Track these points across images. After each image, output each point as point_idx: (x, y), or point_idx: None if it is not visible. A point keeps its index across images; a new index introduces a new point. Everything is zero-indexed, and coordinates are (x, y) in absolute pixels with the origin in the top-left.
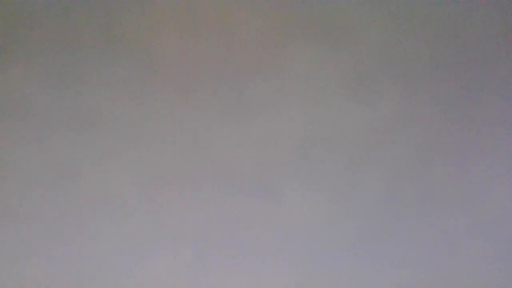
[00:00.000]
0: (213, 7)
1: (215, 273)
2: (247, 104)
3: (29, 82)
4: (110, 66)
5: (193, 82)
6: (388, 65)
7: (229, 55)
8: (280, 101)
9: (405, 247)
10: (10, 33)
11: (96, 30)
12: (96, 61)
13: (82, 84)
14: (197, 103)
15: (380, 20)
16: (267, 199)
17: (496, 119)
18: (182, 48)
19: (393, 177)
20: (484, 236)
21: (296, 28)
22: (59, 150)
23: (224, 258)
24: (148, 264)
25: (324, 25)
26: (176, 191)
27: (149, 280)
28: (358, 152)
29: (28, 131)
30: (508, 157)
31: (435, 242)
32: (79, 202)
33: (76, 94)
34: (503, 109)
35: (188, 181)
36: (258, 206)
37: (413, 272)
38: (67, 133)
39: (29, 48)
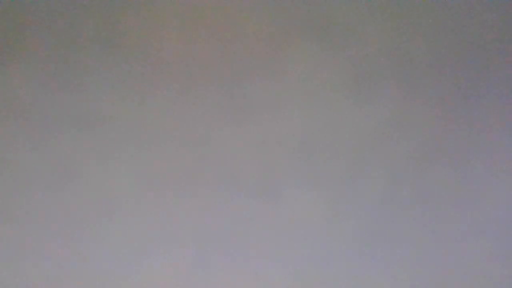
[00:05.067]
0: (213, 7)
1: (215, 272)
2: (247, 104)
3: (29, 82)
4: (110, 66)
5: (193, 82)
6: (388, 65)
7: (229, 55)
8: (280, 101)
9: (405, 247)
10: (10, 33)
11: (96, 30)
12: (96, 61)
13: (82, 84)
14: (197, 103)
15: (380, 20)
16: (267, 199)
17: (496, 119)
18: (182, 48)
19: (393, 177)
20: (483, 236)
21: (296, 28)
22: (59, 150)
23: (224, 258)
24: (148, 264)
25: (324, 25)
26: (176, 191)
27: (149, 280)
28: (358, 152)
29: (28, 131)
30: (508, 157)
31: (435, 242)
32: (79, 202)
33: (76, 94)
34: (503, 109)
35: (188, 181)
36: (258, 206)
37: (413, 273)
38: (67, 133)
39: (29, 48)
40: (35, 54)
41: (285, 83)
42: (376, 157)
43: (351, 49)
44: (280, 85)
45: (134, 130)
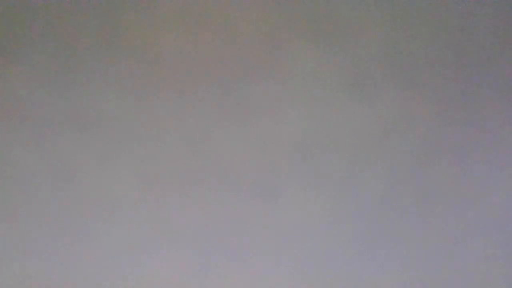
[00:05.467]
0: (213, 7)
1: (215, 272)
2: (247, 104)
3: (29, 82)
4: (110, 66)
5: (193, 82)
6: (388, 65)
7: (229, 55)
8: (280, 101)
9: (405, 247)
10: (10, 33)
11: (96, 30)
12: (96, 61)
13: (82, 84)
14: (197, 103)
15: (380, 20)
16: (267, 199)
17: (496, 119)
18: (182, 48)
19: (393, 177)
20: (484, 236)
21: (296, 28)
22: (59, 150)
23: (224, 258)
24: (147, 264)
25: (324, 25)
26: (176, 191)
27: (148, 280)
28: (358, 152)
29: (28, 131)
30: (508, 157)
31: (435, 241)
32: (79, 202)
33: (76, 94)
34: (503, 109)
35: (188, 181)
36: (258, 206)
37: (413, 272)
38: (67, 133)
39: (29, 48)
40: (35, 54)
41: (285, 83)
42: (376, 157)
43: (351, 49)
44: (280, 85)
45: (134, 130)
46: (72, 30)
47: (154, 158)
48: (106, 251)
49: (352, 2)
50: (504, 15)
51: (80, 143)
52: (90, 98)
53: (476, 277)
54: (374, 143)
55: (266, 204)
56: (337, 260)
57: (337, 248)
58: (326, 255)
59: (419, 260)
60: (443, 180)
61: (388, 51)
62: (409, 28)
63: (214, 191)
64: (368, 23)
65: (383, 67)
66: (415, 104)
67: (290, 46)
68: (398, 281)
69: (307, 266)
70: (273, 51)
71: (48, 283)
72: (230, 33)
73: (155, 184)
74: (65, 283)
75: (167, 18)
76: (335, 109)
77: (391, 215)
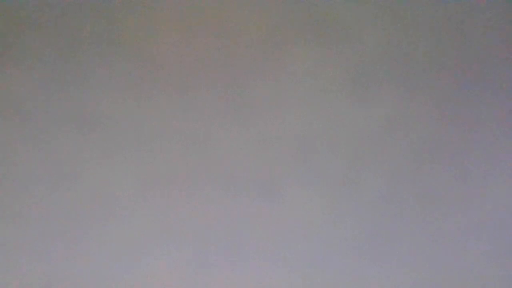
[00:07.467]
0: (213, 7)
1: (215, 272)
2: (247, 104)
3: (29, 82)
4: (110, 66)
5: (193, 82)
6: (388, 65)
7: (229, 55)
8: (280, 101)
9: (405, 247)
10: (10, 33)
11: (96, 30)
12: (96, 61)
13: (82, 84)
14: (197, 103)
15: (380, 20)
16: (267, 199)
17: (496, 119)
18: (182, 48)
19: (393, 177)
20: (483, 236)
21: (296, 28)
22: (59, 150)
23: (223, 258)
24: (148, 263)
25: (324, 25)
26: (176, 191)
27: (149, 279)
28: (358, 152)
29: (28, 131)
30: (508, 157)
31: (435, 241)
32: (79, 202)
33: (76, 94)
34: (503, 109)
35: (188, 181)
36: (258, 206)
37: (413, 272)
38: (67, 133)
39: (29, 48)
40: (35, 54)
41: (285, 83)
42: (376, 157)
43: (351, 49)
44: (280, 85)
45: (134, 130)
46: (72, 30)
47: (154, 158)
48: (106, 250)
49: (352, 2)
50: (504, 15)
51: (80, 143)
52: (90, 98)
53: (476, 277)
54: (374, 143)
55: (266, 204)
56: (337, 259)
57: (337, 248)
58: (326, 255)
59: (419, 259)
60: (443, 179)
61: (388, 51)
62: (409, 28)
63: (214, 191)
64: (368, 23)
65: (383, 67)
66: (415, 104)
67: (290, 46)
68: (398, 281)
69: (307, 266)
70: (273, 51)
71: (48, 282)
72: (230, 33)
73: (155, 184)
74: (65, 283)
75: (167, 19)
76: (335, 109)
77: (391, 214)
